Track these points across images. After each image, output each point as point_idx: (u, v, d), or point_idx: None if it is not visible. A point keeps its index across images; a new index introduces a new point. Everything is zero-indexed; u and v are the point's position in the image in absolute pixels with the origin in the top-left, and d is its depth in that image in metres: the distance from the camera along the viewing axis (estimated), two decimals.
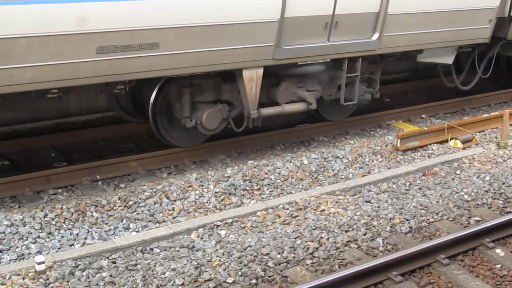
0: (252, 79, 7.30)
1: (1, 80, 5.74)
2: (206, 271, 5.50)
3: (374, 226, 6.43)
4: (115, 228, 6.25)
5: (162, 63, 6.53)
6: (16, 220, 6.14)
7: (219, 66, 7.02)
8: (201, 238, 6.10)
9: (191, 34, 6.65)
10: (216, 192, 7.02)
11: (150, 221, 6.41)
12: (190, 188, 7.06)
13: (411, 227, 6.43)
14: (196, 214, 6.61)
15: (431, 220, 6.60)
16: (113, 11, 6.15)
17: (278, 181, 7.40)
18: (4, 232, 5.95)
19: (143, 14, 6.31)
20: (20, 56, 5.71)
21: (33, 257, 5.56)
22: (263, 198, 7.03)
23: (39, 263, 5.34)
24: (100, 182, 7.23)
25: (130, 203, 6.65)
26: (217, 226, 6.34)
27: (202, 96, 7.48)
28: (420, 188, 7.40)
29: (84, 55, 6.06)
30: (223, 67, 7.07)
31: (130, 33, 6.26)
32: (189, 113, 7.43)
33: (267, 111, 7.73)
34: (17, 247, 5.81)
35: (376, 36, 8.11)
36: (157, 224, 6.37)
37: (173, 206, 6.71)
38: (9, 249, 5.77)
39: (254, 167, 7.71)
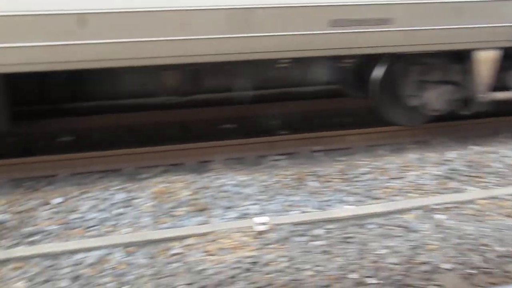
0: (486, 60, 6.93)
1: (243, 47, 6.08)
2: (422, 254, 5.38)
3: None
4: (331, 199, 6.35)
5: (394, 39, 6.47)
6: (240, 181, 6.51)
7: (452, 45, 6.77)
8: (417, 220, 5.97)
9: (426, 10, 6.48)
10: (435, 175, 6.82)
11: (366, 196, 6.41)
12: (409, 168, 6.94)
13: None
14: (413, 195, 6.47)
15: None
16: None
17: (504, 170, 6.98)
18: (230, 191, 6.34)
19: None
20: (260, 25, 6.00)
21: (254, 217, 5.85)
22: (485, 186, 6.68)
23: (260, 224, 5.61)
24: (319, 153, 7.40)
25: (348, 176, 6.71)
26: (435, 209, 6.15)
27: (429, 75, 7.28)
28: None
29: (317, 28, 6.19)
30: (456, 46, 6.81)
31: (363, 7, 6.27)
32: (414, 92, 7.27)
33: (498, 95, 7.30)
34: (240, 206, 6.16)
35: None
36: (373, 200, 6.36)
37: (390, 184, 6.64)
38: (233, 207, 6.14)
39: (477, 153, 7.36)
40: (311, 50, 6.31)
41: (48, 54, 5.78)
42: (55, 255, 5.28)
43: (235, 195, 6.31)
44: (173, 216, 5.96)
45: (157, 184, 6.41)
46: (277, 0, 6.00)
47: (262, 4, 5.97)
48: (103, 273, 5.07)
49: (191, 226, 5.79)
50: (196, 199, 6.19)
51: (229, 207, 6.13)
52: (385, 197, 6.40)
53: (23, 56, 5.67)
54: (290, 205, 6.21)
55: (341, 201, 6.32)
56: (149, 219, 5.91)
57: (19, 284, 4.93)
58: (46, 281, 4.97)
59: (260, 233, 5.61)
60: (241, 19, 5.96)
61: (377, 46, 6.48)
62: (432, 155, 7.24)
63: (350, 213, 5.98)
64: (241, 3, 5.93)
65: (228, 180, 6.51)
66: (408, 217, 6.02)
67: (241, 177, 6.58)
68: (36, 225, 5.76)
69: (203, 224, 5.84)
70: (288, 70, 7.54)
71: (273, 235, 5.60)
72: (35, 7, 5.62)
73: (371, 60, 7.34)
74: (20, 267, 5.14)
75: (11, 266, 5.15)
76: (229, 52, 6.09)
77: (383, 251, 5.42)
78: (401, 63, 7.31)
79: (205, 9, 5.98)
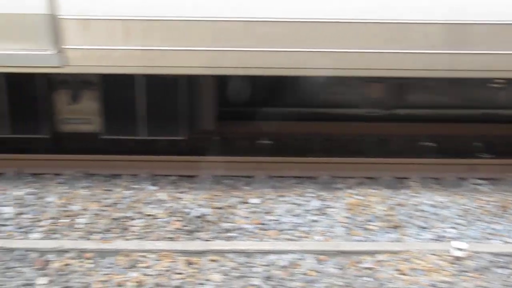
0: None
1: (457, 64, 5.86)
2: None
3: None
4: None
5: None
6: (438, 202, 6.28)
7: None
8: None
9: None
10: None
11: None
12: None
13: None
14: None
15: None
16: None
17: None
18: (426, 211, 6.14)
19: None
20: (477, 42, 5.75)
21: (452, 241, 5.60)
22: None
23: (458, 249, 5.36)
24: None
25: None
26: None
27: None
28: None
29: None
30: None
31: None
32: None
33: None
34: (436, 228, 5.93)
35: None
36: None
37: None
38: (428, 228, 5.93)
39: None
40: None
41: (258, 59, 5.99)
42: (249, 253, 5.46)
43: (432, 216, 6.09)
44: (366, 229, 5.90)
45: (351, 196, 6.39)
46: (498, 16, 5.68)
47: (481, 20, 5.70)
48: (294, 277, 5.15)
49: (384, 242, 5.70)
50: (390, 215, 6.07)
51: (424, 227, 5.94)
52: None
53: (238, 61, 5.94)
54: (491, 233, 5.88)
55: None
56: (342, 229, 5.90)
57: (215, 276, 5.16)
58: (240, 277, 5.16)
59: (457, 258, 5.36)
60: (457, 34, 5.74)
61: None
62: None
63: None
64: (458, 18, 5.70)
65: (425, 199, 6.31)
66: None
67: (439, 198, 6.34)
68: (233, 222, 6.00)
69: (397, 241, 5.72)
70: (499, 91, 7.14)
71: (471, 263, 5.33)
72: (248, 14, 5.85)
73: None
74: (216, 260, 5.38)
75: (208, 258, 5.40)
76: (441, 68, 5.88)
77: None
78: None
79: (418, 23, 5.84)
